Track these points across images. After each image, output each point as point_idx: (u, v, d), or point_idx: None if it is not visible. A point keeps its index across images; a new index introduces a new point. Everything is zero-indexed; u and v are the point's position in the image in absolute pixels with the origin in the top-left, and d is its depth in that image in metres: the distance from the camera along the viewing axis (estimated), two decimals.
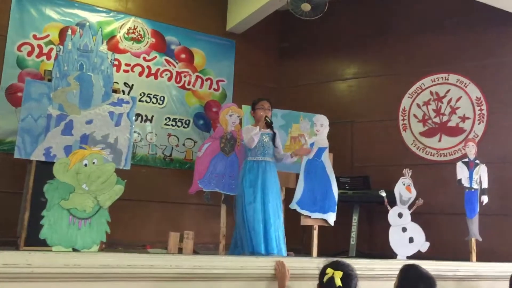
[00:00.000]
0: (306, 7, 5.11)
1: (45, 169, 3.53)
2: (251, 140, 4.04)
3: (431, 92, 5.90)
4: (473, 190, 4.84)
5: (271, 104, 4.32)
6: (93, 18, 5.62)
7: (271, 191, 4.07)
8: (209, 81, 6.27)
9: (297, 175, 4.78)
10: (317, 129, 4.92)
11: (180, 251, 4.33)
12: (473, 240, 4.76)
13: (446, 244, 5.14)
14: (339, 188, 5.09)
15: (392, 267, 3.18)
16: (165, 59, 6.01)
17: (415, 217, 4.94)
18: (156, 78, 5.92)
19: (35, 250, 2.58)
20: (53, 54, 5.22)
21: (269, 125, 4.18)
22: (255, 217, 3.96)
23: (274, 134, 4.20)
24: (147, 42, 5.92)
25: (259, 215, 3.97)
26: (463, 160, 4.98)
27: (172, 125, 5.95)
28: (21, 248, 3.68)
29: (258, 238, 3.92)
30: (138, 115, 5.64)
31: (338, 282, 2.33)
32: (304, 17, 5.23)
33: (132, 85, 5.76)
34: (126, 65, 5.75)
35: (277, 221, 4.05)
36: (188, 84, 6.13)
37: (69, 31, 4.57)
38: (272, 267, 3.07)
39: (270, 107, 4.27)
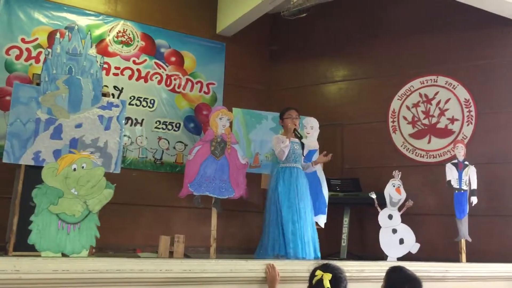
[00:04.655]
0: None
1: (34, 174, 3.48)
2: (281, 152, 4.28)
3: (420, 94, 5.93)
4: (462, 191, 4.88)
5: (298, 112, 4.55)
6: (82, 21, 5.58)
7: (304, 197, 4.28)
8: (199, 84, 6.26)
9: None
10: (307, 132, 4.94)
11: (171, 254, 4.32)
12: (463, 241, 4.79)
13: (436, 245, 5.19)
14: (329, 190, 5.12)
15: (381, 269, 3.19)
16: (155, 62, 6.00)
17: (405, 219, 4.97)
18: (146, 81, 5.90)
19: (23, 256, 2.56)
20: (41, 57, 5.18)
21: (297, 136, 4.41)
22: (295, 222, 4.14)
23: (301, 139, 4.42)
24: (137, 45, 5.90)
25: (296, 220, 4.15)
26: (452, 161, 5.03)
27: (162, 128, 5.94)
28: (10, 254, 3.64)
29: (297, 242, 4.09)
30: (128, 118, 5.62)
31: (327, 284, 2.34)
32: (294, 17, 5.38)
33: (122, 88, 5.74)
34: (116, 68, 5.72)
35: (311, 226, 4.25)
36: (178, 87, 6.11)
37: (58, 35, 4.53)
38: (263, 270, 3.08)
39: (298, 116, 4.50)
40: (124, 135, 5.41)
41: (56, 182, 2.90)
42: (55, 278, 2.48)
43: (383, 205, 5.01)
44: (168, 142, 5.95)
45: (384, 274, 2.72)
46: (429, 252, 4.88)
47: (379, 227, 4.95)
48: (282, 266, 3.12)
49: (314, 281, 2.41)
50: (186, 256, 4.52)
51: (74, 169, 2.97)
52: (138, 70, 5.86)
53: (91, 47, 4.30)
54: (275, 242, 4.14)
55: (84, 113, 4.09)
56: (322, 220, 4.80)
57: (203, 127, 6.09)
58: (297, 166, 4.38)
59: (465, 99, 5.67)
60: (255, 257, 4.25)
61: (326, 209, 4.89)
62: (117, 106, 4.24)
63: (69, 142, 3.99)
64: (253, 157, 5.28)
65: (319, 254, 4.25)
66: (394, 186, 5.01)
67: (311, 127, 4.93)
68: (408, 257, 4.79)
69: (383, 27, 6.25)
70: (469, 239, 4.79)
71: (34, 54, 5.28)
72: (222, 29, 6.36)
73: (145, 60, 5.93)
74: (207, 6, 6.44)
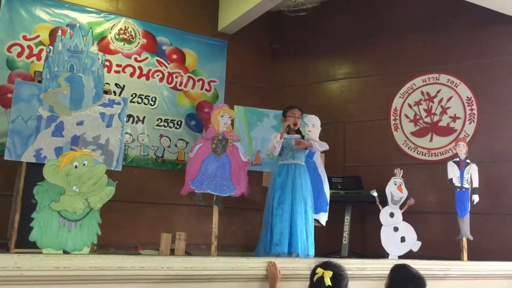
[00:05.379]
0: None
1: (36, 171, 3.48)
2: (273, 148, 4.35)
3: (422, 92, 5.92)
4: (464, 189, 4.86)
5: (302, 111, 4.58)
6: (83, 18, 5.59)
7: (300, 194, 4.24)
8: (201, 82, 6.25)
9: None
10: (308, 130, 4.92)
11: (172, 252, 4.32)
12: (464, 239, 4.78)
13: (437, 243, 5.17)
14: (331, 188, 5.12)
15: (383, 267, 3.20)
16: (157, 60, 5.99)
17: (406, 217, 4.96)
18: (147, 79, 5.90)
19: (25, 253, 2.56)
20: (43, 55, 5.18)
21: (297, 130, 4.46)
22: (283, 219, 4.13)
23: (303, 137, 4.43)
24: (138, 42, 5.90)
25: (287, 217, 4.13)
26: (454, 159, 5.00)
27: (164, 126, 5.94)
28: (12, 251, 3.65)
29: (283, 238, 4.07)
30: (129, 116, 5.62)
31: (328, 282, 2.35)
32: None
33: (124, 86, 5.74)
34: (117, 66, 5.72)
35: (303, 222, 4.20)
36: (180, 85, 6.11)
37: (59, 32, 4.54)
38: (264, 267, 3.08)
39: (300, 115, 4.52)
40: (126, 133, 5.40)
41: (57, 179, 2.90)
42: (56, 275, 2.48)
43: (384, 203, 5.00)
44: (170, 140, 5.95)
45: (385, 272, 2.73)
46: (430, 250, 4.86)
47: (381, 225, 4.94)
48: (283, 264, 3.12)
49: (315, 279, 2.42)
50: (187, 253, 4.53)
51: (76, 167, 2.97)
52: (139, 67, 5.86)
53: (93, 44, 4.29)
54: (264, 240, 4.16)
55: (86, 110, 4.10)
56: (323, 218, 4.80)
57: (205, 124, 6.09)
58: (296, 162, 4.35)
59: (467, 97, 5.66)
60: (254, 255, 4.25)
61: (328, 207, 4.89)
62: (118, 103, 4.25)
63: (70, 139, 4.00)
64: (254, 154, 5.28)
65: (310, 252, 4.18)
66: (395, 184, 5.00)
67: (312, 125, 4.91)
68: (410, 255, 4.78)
69: (385, 25, 6.24)
70: (471, 237, 4.78)
71: (35, 51, 5.29)
72: (224, 27, 6.35)
73: (147, 57, 5.93)
74: (208, 4, 6.43)
